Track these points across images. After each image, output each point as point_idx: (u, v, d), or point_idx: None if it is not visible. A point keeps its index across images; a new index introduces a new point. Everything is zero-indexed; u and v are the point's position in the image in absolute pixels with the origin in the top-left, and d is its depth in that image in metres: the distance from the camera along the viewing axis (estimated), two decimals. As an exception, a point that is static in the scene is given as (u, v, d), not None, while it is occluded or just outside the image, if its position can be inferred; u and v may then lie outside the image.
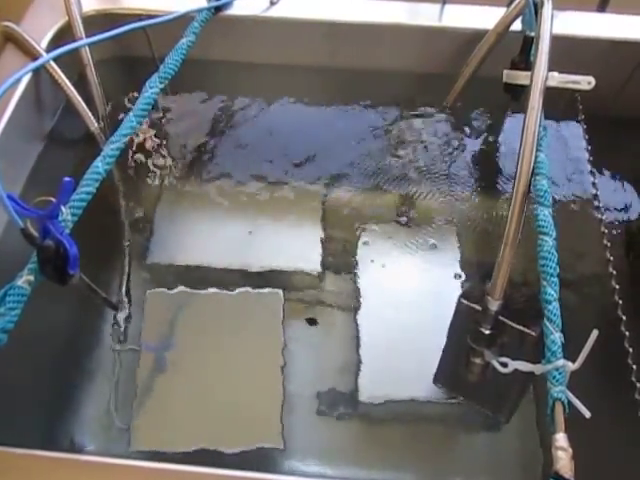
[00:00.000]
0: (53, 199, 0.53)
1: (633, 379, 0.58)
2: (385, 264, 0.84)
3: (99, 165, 0.65)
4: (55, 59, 0.77)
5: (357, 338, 0.77)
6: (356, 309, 0.80)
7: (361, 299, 0.81)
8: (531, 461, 0.70)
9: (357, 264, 0.84)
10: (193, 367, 0.76)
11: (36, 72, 0.82)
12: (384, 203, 0.90)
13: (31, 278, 0.57)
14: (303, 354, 0.77)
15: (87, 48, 0.85)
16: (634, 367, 0.59)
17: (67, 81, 0.84)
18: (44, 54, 0.82)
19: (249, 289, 0.82)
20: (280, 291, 0.81)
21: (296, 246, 0.86)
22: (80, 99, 0.85)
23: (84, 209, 0.62)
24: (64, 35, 0.86)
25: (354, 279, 0.83)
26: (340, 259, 0.85)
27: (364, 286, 0.82)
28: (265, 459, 0.70)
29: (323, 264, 0.84)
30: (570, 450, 0.46)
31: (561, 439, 0.47)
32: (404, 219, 0.89)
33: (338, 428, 0.73)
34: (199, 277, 0.83)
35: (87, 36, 0.83)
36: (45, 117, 0.89)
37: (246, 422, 0.72)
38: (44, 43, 0.86)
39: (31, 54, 0.83)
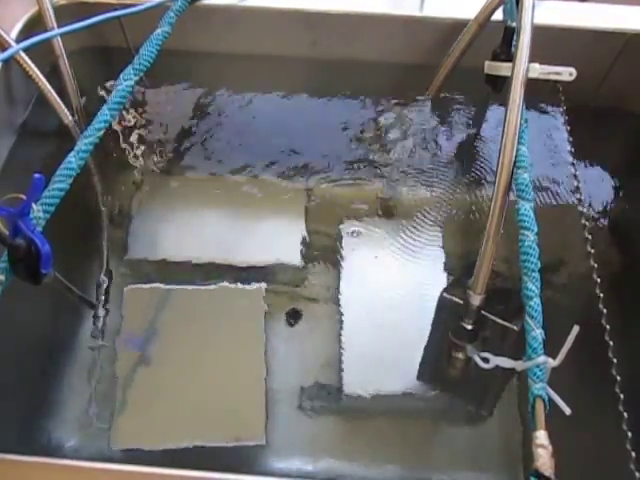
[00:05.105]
0: (23, 196, 0.52)
1: (614, 372, 0.58)
2: (368, 258, 0.84)
3: (72, 160, 0.63)
4: (26, 50, 0.74)
5: (340, 332, 0.77)
6: (339, 303, 0.80)
7: (344, 294, 0.80)
8: (514, 454, 0.71)
9: (340, 258, 0.84)
10: (174, 364, 0.75)
11: (6, 63, 0.80)
12: (367, 197, 0.90)
13: (2, 278, 0.56)
14: (286, 349, 0.77)
15: (59, 38, 0.83)
16: (615, 360, 0.59)
17: (39, 73, 0.82)
18: (14, 45, 0.79)
19: (231, 284, 0.81)
20: (262, 286, 0.81)
21: (279, 240, 0.85)
22: (53, 91, 0.83)
23: (57, 206, 0.60)
24: (35, 25, 0.84)
25: (337, 273, 0.82)
26: (323, 253, 0.85)
27: (347, 281, 0.81)
28: (248, 455, 0.70)
29: (306, 258, 0.83)
30: (550, 447, 0.46)
31: (541, 436, 0.46)
32: (387, 213, 0.88)
33: (321, 422, 0.73)
34: (180, 272, 0.82)
35: (59, 26, 0.80)
36: (16, 110, 0.87)
37: (228, 418, 0.72)
38: (14, 33, 0.83)
39: (0, 45, 0.80)
